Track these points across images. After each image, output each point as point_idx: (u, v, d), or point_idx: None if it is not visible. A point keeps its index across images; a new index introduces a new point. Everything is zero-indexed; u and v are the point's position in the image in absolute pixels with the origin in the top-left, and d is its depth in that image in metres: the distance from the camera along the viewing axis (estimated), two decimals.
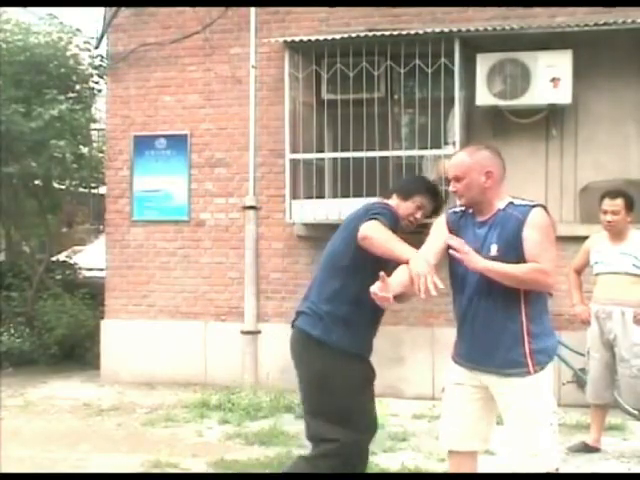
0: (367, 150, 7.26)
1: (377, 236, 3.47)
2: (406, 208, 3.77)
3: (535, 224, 3.32)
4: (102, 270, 8.79)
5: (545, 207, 3.41)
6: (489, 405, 3.50)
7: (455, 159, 3.54)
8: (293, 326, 3.82)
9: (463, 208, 3.57)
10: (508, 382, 3.37)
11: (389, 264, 3.42)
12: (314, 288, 3.79)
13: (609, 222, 5.40)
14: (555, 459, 3.44)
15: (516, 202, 3.44)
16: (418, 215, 3.79)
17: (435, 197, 3.86)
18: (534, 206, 3.39)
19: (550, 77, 6.90)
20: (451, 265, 3.47)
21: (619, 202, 5.39)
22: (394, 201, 3.81)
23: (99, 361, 8.27)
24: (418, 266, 3.26)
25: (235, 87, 8.01)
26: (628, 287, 5.39)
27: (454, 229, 3.50)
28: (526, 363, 3.34)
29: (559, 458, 3.53)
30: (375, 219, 3.53)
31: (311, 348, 3.67)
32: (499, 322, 3.36)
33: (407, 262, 3.33)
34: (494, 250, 3.35)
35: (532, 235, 3.30)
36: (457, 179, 3.45)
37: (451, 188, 3.48)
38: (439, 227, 3.56)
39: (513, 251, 3.32)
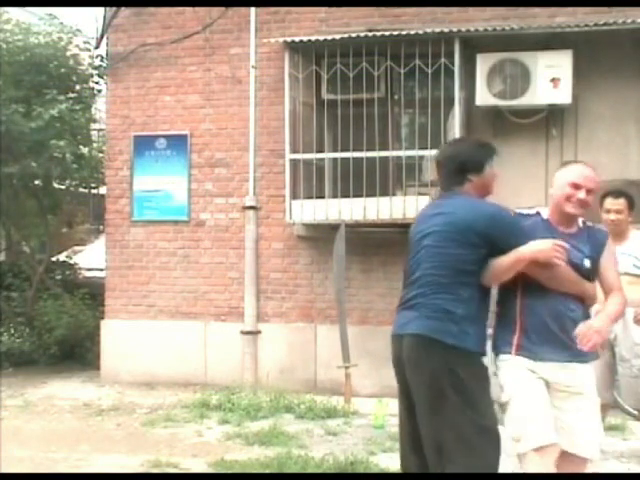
0: (367, 150, 7.26)
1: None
2: (489, 177, 3.66)
3: (612, 252, 3.74)
4: (102, 270, 8.80)
5: None
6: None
7: (590, 171, 3.61)
8: (404, 334, 3.58)
9: (534, 212, 3.68)
10: (570, 369, 3.50)
11: None
12: (431, 288, 3.54)
13: (612, 221, 5.39)
14: None
15: (587, 222, 3.69)
16: (496, 172, 3.70)
17: (489, 144, 3.81)
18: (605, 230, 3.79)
19: (550, 77, 6.90)
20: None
21: (622, 201, 5.39)
22: (471, 181, 3.63)
23: (99, 361, 8.27)
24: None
25: (235, 87, 8.01)
26: (628, 287, 5.36)
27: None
28: (582, 350, 3.44)
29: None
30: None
31: (444, 356, 3.48)
32: (568, 318, 3.50)
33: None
34: (588, 263, 3.57)
35: (610, 263, 3.69)
36: (591, 192, 3.56)
37: (581, 196, 3.53)
38: None
39: (595, 268, 3.62)
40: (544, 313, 3.48)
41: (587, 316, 3.57)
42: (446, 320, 3.46)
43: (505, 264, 3.45)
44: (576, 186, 3.53)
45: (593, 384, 3.59)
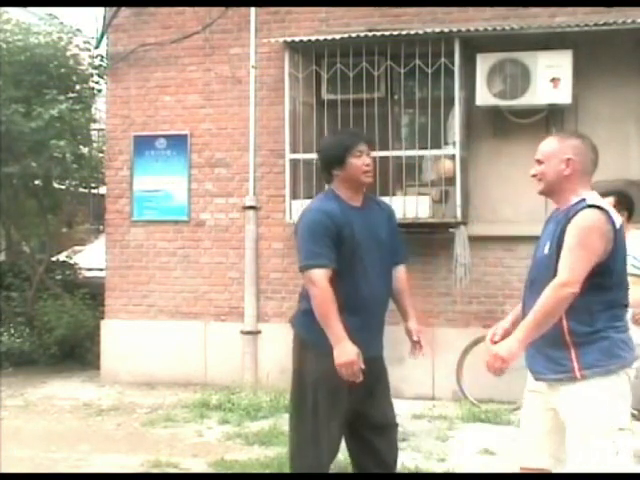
0: None
1: (318, 301, 3.52)
2: (352, 169, 3.60)
3: (576, 225, 3.02)
4: (102, 270, 8.79)
5: (601, 208, 3.06)
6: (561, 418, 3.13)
7: (544, 142, 3.30)
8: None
9: None
10: (555, 390, 3.08)
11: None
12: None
13: None
14: None
15: (588, 199, 3.10)
16: (366, 161, 3.63)
17: (352, 134, 3.86)
18: (589, 206, 3.06)
19: (550, 77, 6.90)
20: None
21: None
22: (337, 176, 3.65)
23: (99, 361, 8.27)
24: (348, 355, 3.46)
25: (235, 87, 8.01)
26: (629, 287, 5.38)
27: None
28: (571, 367, 3.02)
29: None
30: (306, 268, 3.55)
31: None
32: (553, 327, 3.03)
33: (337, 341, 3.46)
34: (546, 249, 3.13)
35: (568, 238, 3.02)
36: (538, 162, 3.25)
37: (532, 172, 3.28)
38: None
39: (559, 251, 3.05)
40: None
41: (583, 321, 3.02)
42: (299, 314, 3.73)
43: (323, 319, 3.53)
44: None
45: (592, 408, 2.97)
